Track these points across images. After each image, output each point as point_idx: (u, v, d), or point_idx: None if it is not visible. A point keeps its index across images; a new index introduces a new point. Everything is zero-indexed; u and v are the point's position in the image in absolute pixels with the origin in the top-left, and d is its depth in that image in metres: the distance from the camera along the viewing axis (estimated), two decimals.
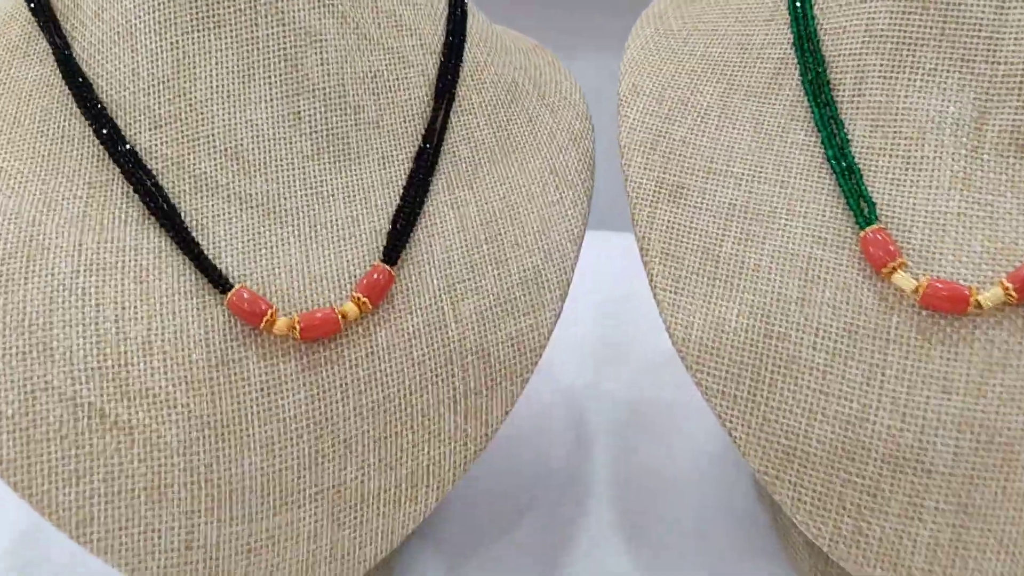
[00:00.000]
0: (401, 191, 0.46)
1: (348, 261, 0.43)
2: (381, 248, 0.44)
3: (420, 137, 0.47)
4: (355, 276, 0.43)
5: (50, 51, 0.45)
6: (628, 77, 0.50)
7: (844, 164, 0.43)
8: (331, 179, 0.45)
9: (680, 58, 0.50)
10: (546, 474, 0.61)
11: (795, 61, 0.47)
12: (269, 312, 0.41)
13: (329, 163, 0.45)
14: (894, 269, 0.40)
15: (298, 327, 0.41)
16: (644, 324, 0.72)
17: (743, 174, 0.45)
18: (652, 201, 0.46)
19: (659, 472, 0.60)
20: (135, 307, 0.41)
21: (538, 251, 0.47)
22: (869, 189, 0.43)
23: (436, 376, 0.43)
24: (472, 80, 0.50)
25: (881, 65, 0.44)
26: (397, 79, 0.47)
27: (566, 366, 0.69)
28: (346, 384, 0.42)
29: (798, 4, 0.47)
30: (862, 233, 0.41)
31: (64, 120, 0.44)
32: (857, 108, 0.44)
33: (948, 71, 0.43)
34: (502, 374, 0.44)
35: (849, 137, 0.44)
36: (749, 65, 0.48)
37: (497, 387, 0.44)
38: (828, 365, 0.41)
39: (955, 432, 0.39)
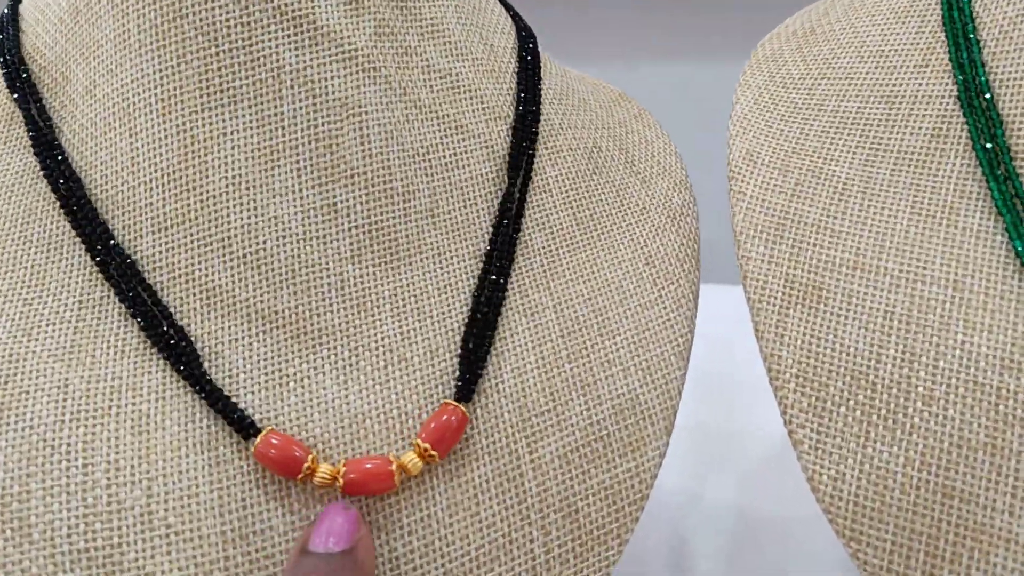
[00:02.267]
0: (465, 297, 0.38)
1: (399, 394, 0.36)
2: (442, 373, 0.36)
3: (488, 227, 0.39)
4: (408, 412, 0.36)
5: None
6: (740, 140, 0.42)
7: None
8: (376, 286, 0.37)
9: (806, 115, 0.42)
10: None
11: (961, 120, 0.38)
12: (309, 458, 0.34)
13: (373, 265, 0.37)
14: None
15: (341, 479, 0.34)
16: (757, 409, 0.63)
17: (901, 271, 0.37)
18: (781, 306, 0.37)
19: None
20: (132, 467, 0.34)
21: (635, 370, 0.38)
22: None
23: (510, 542, 0.35)
24: (546, 149, 0.42)
25: None
26: (455, 155, 0.40)
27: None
28: (396, 558, 0.34)
29: (961, 42, 0.38)
30: None
31: (51, 222, 0.38)
32: None
33: None
34: (594, 536, 0.36)
35: None
36: (899, 125, 0.39)
37: (588, 553, 0.36)
38: None
39: None
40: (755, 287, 0.38)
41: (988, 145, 0.37)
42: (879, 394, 0.35)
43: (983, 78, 0.38)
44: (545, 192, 0.42)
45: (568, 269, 0.40)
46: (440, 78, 0.40)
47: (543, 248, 0.41)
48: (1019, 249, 0.35)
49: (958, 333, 0.35)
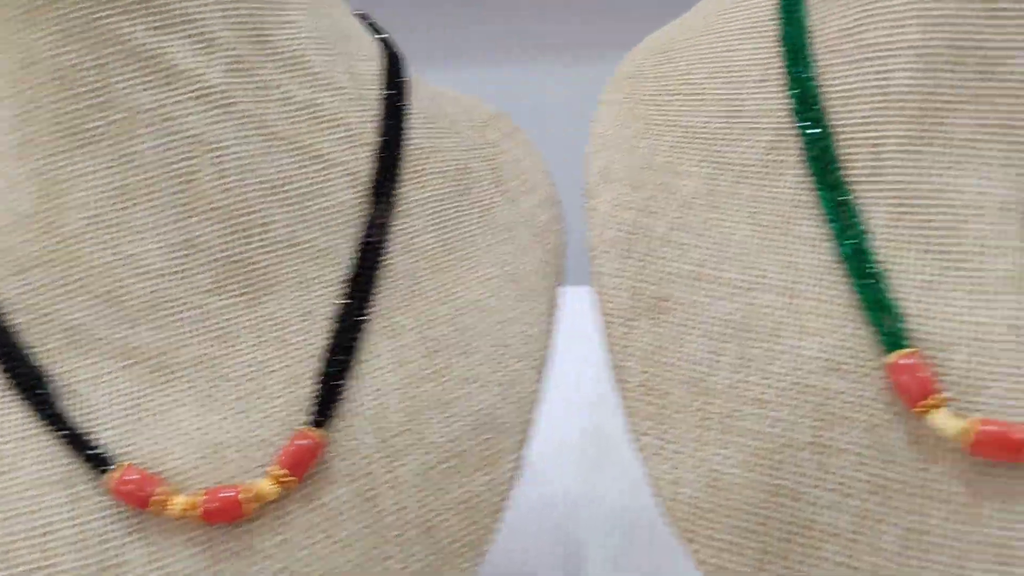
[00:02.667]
0: (327, 324, 0.39)
1: (258, 422, 0.37)
2: (301, 399, 0.38)
3: (352, 253, 0.41)
4: (267, 440, 0.37)
5: None
6: (596, 158, 0.44)
7: (863, 266, 0.36)
8: (237, 317, 0.39)
9: (659, 131, 0.44)
10: None
11: (796, 132, 0.40)
12: (158, 490, 0.35)
13: (234, 296, 0.39)
14: (932, 407, 0.33)
15: (200, 508, 0.35)
16: None
17: (739, 281, 0.38)
18: (628, 319, 0.39)
19: None
20: None
21: (493, 385, 0.40)
22: (896, 297, 0.36)
23: (368, 560, 0.37)
24: (412, 172, 0.44)
25: (902, 136, 0.37)
26: (315, 184, 0.41)
27: (552, 467, 0.62)
28: None
29: (795, 57, 0.40)
30: (888, 359, 0.34)
31: None
32: (876, 191, 0.38)
33: (988, 141, 0.36)
34: (452, 551, 0.37)
35: (867, 229, 0.37)
36: (740, 139, 0.41)
37: (446, 567, 0.37)
38: (855, 531, 0.34)
39: None
40: (605, 300, 0.40)
41: (818, 155, 0.39)
42: (715, 400, 0.37)
43: (814, 91, 0.40)
44: (410, 216, 0.43)
45: (432, 290, 0.42)
46: (299, 109, 0.42)
47: (407, 271, 0.42)
48: (843, 254, 0.37)
49: (789, 338, 0.37)
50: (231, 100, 0.40)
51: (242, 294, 0.39)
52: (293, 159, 0.41)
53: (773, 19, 0.43)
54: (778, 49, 0.42)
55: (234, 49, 0.40)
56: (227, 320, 0.39)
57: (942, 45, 0.36)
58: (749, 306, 0.38)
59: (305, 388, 0.38)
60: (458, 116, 0.50)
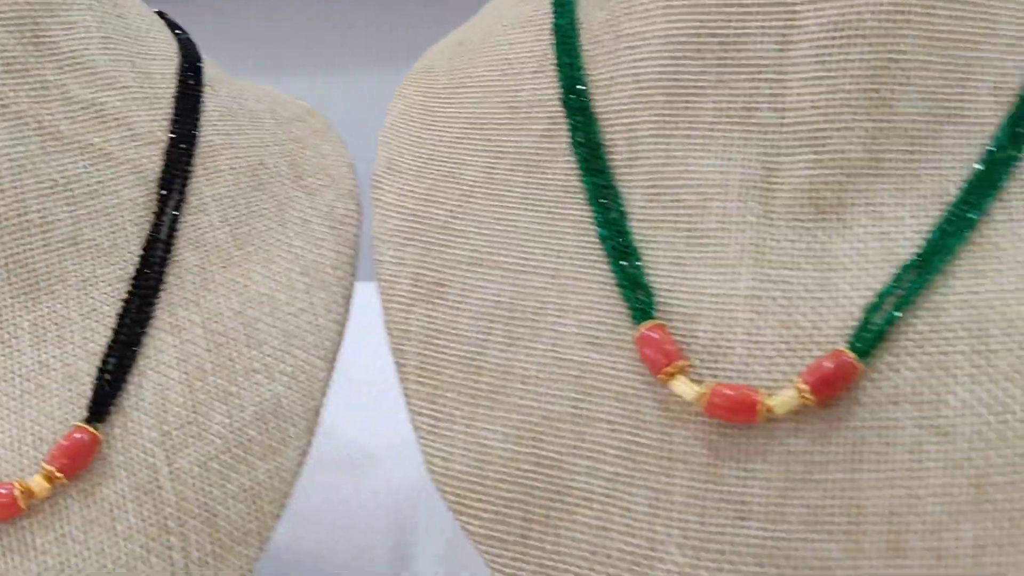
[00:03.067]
0: (110, 321, 0.40)
1: (34, 420, 0.38)
2: (80, 396, 0.38)
3: (138, 250, 0.41)
4: (43, 438, 0.37)
5: None
6: (384, 151, 0.45)
7: (619, 244, 0.39)
8: (15, 317, 0.39)
9: (444, 123, 0.45)
10: None
11: (566, 121, 0.42)
12: None
13: (11, 297, 0.39)
14: (672, 374, 0.35)
15: None
16: None
17: (511, 264, 0.40)
18: (407, 304, 0.41)
19: None
20: None
21: (280, 375, 0.41)
22: (649, 272, 0.38)
23: (148, 552, 0.37)
24: (204, 169, 0.45)
25: (653, 122, 0.39)
26: (100, 182, 0.42)
27: (385, 458, 0.63)
28: None
29: (564, 47, 0.42)
30: (637, 331, 0.36)
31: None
32: (633, 175, 0.40)
33: (730, 124, 0.38)
34: (234, 538, 0.38)
35: (627, 211, 0.39)
36: (517, 128, 0.43)
37: (228, 554, 0.38)
38: (608, 495, 0.36)
39: (755, 566, 0.34)
40: (386, 288, 0.41)
41: (583, 141, 0.41)
42: (485, 377, 0.39)
43: (581, 80, 0.42)
44: (201, 212, 0.44)
45: (220, 285, 0.43)
46: (82, 109, 0.42)
47: (196, 266, 0.43)
48: (601, 234, 0.39)
49: (551, 316, 0.39)
50: (4, 101, 0.40)
51: (20, 295, 0.39)
52: (76, 158, 0.41)
53: (548, 12, 0.45)
54: (552, 40, 0.44)
55: (8, 50, 0.41)
56: (4, 321, 0.39)
57: (685, 34, 0.39)
58: (517, 288, 0.40)
59: (84, 385, 0.39)
60: (262, 112, 0.51)
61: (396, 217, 0.43)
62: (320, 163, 0.49)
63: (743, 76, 0.38)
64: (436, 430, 0.38)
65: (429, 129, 0.46)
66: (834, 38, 0.37)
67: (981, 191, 0.37)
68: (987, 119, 0.38)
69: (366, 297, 0.53)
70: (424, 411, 0.39)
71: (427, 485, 0.62)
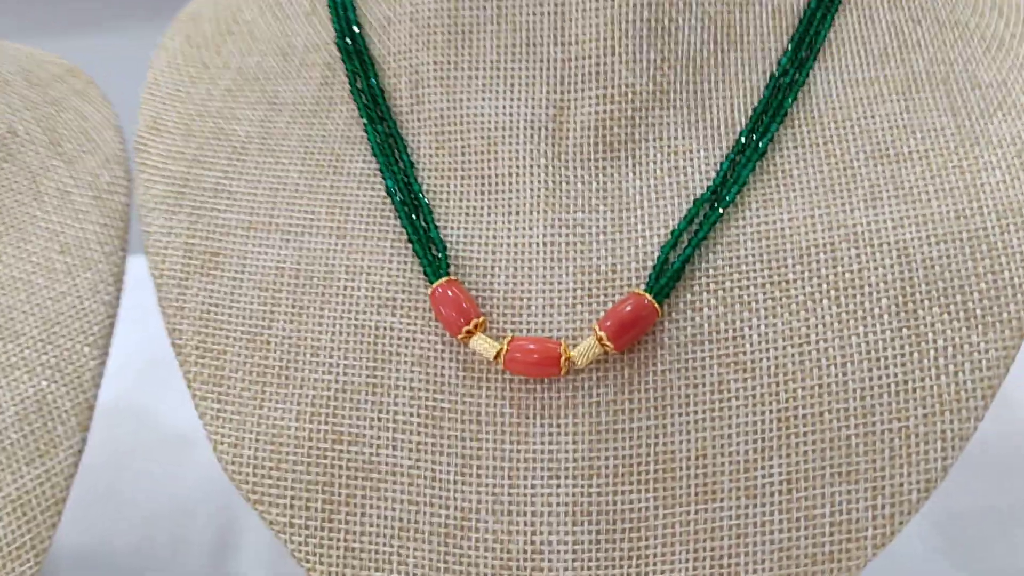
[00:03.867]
0: None
1: None
2: None
3: None
4: None
5: None
6: (148, 108, 0.41)
7: (407, 198, 0.36)
8: None
9: (213, 74, 0.41)
10: None
11: (343, 66, 0.38)
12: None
13: None
14: (471, 332, 0.33)
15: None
16: None
17: (291, 225, 0.37)
18: (181, 278, 0.37)
19: None
20: None
21: (42, 369, 0.36)
22: (442, 225, 0.36)
23: None
24: None
25: (435, 63, 0.37)
26: None
27: (205, 441, 0.59)
28: None
29: None
30: (431, 290, 0.34)
31: None
32: (419, 121, 0.37)
33: (514, 62, 0.36)
34: (7, 553, 0.34)
35: (414, 160, 0.37)
36: (293, 76, 0.39)
37: (1, 571, 0.34)
38: (414, 466, 0.34)
39: (571, 525, 0.33)
40: (156, 262, 0.37)
41: (363, 88, 0.38)
42: (272, 352, 0.35)
43: (355, 21, 0.38)
44: None
45: None
46: None
47: None
48: (388, 187, 0.36)
49: (341, 279, 0.36)
50: None
51: None
52: None
53: None
54: None
55: None
56: None
57: None
58: (301, 251, 0.36)
59: None
60: (11, 75, 0.45)
61: (162, 182, 0.39)
62: (81, 127, 0.44)
63: (523, 9, 0.36)
64: (222, 414, 0.35)
65: (196, 83, 0.41)
66: None
67: (769, 117, 0.36)
68: (769, 43, 0.37)
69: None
70: (208, 395, 0.35)
71: None
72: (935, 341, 0.33)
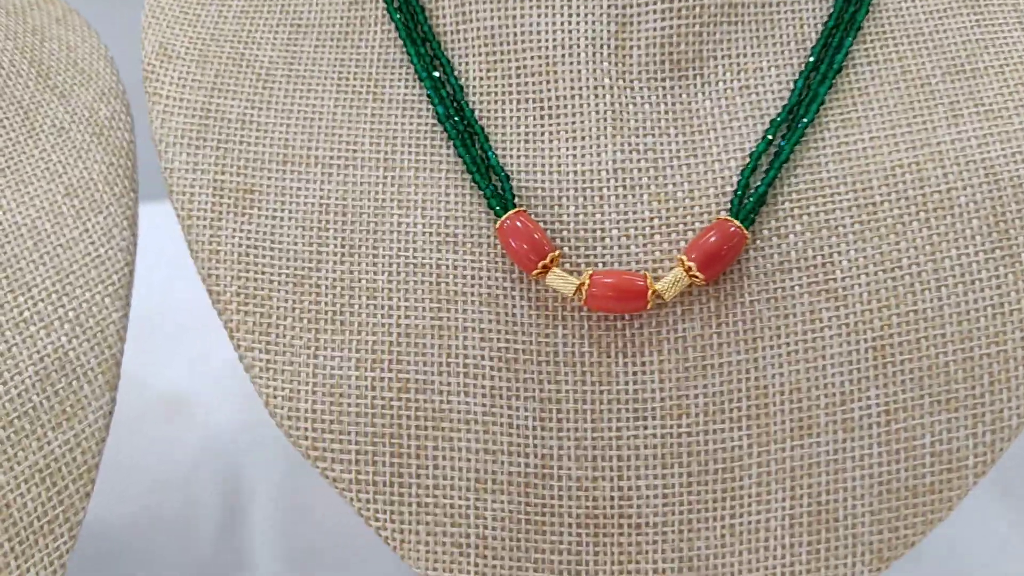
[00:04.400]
0: None
1: None
2: None
3: None
4: None
5: None
6: (153, 33, 0.37)
7: (460, 124, 0.33)
8: None
9: None
10: (193, 550, 0.48)
11: None
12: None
13: None
14: (546, 268, 0.30)
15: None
16: None
17: (332, 157, 0.34)
18: (213, 219, 0.33)
19: (339, 536, 0.48)
20: None
21: (60, 323, 0.33)
22: (500, 152, 0.33)
23: None
24: None
25: None
26: None
27: (210, 402, 0.55)
28: None
29: None
30: (499, 223, 0.31)
31: None
32: (466, 41, 0.34)
33: None
34: (36, 529, 0.30)
35: (462, 83, 0.34)
36: None
37: (33, 549, 0.30)
38: (489, 413, 0.31)
39: (660, 468, 0.31)
40: (182, 201, 0.34)
41: (400, 5, 0.34)
42: (324, 296, 0.32)
43: None
44: None
45: None
46: None
47: None
48: (439, 113, 0.33)
49: (394, 215, 0.33)
50: None
51: None
52: None
53: None
54: None
55: None
56: None
57: None
58: (346, 185, 0.33)
59: None
60: None
61: (181, 114, 0.35)
62: (70, 57, 0.40)
63: None
64: (272, 366, 0.32)
65: (206, 4, 0.37)
66: None
67: (842, 31, 0.34)
68: None
69: (151, 219, 0.44)
70: (254, 346, 0.32)
71: (251, 427, 0.55)
72: None
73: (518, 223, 0.31)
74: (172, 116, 0.35)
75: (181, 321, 0.59)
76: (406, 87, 0.34)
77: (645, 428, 0.31)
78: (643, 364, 0.31)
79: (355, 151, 0.33)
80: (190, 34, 0.36)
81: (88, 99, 0.38)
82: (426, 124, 0.34)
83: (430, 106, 0.34)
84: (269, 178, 0.33)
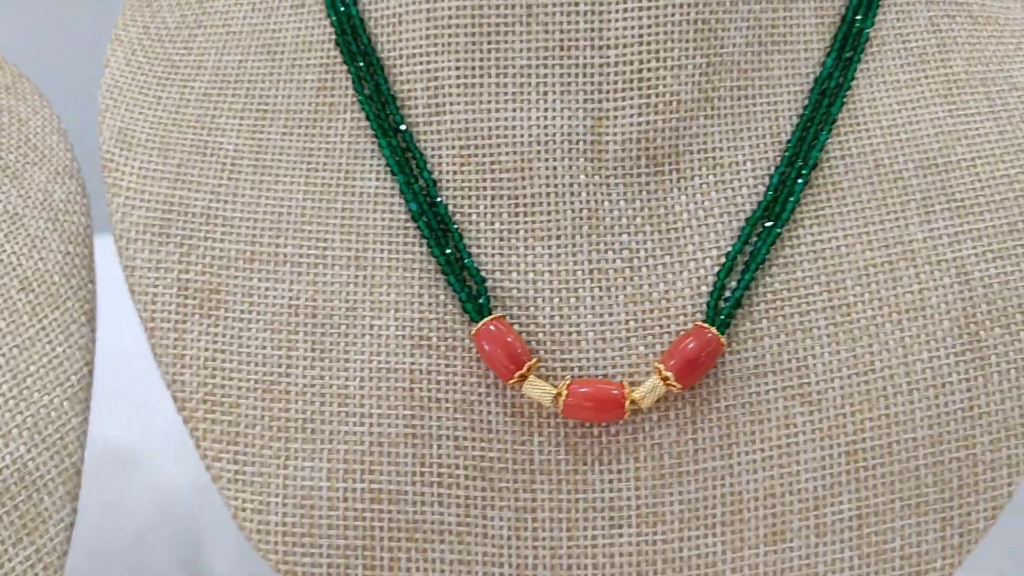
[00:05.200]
0: None
1: None
2: None
3: None
4: None
5: None
6: (112, 116, 0.35)
7: (434, 222, 0.32)
8: None
9: (186, 75, 0.36)
10: None
11: (344, 68, 0.34)
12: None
13: None
14: (523, 377, 0.30)
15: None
16: None
17: (302, 255, 0.33)
18: (178, 320, 0.32)
19: None
20: None
21: (19, 432, 0.32)
22: (474, 251, 0.32)
23: None
24: None
25: (458, 68, 0.33)
26: None
27: (153, 455, 0.54)
28: None
29: None
30: (474, 329, 0.31)
31: None
32: (439, 134, 0.33)
33: (547, 67, 0.33)
34: None
35: (436, 177, 0.33)
36: (284, 78, 0.35)
37: None
38: (464, 523, 0.31)
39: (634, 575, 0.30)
40: (145, 302, 0.33)
41: (371, 94, 0.34)
42: (294, 403, 0.32)
43: (357, 17, 0.34)
44: None
45: None
46: None
47: None
48: (411, 210, 0.32)
49: (365, 317, 0.32)
50: None
51: None
52: None
53: None
54: None
55: None
56: None
57: None
58: (316, 284, 0.32)
59: None
60: None
61: (143, 207, 0.34)
62: (21, 132, 0.38)
63: (557, 8, 0.32)
64: (241, 476, 0.31)
65: (166, 85, 0.36)
66: None
67: (817, 125, 0.34)
68: (812, 43, 0.34)
69: (108, 257, 0.42)
70: (222, 455, 0.31)
71: (208, 486, 0.54)
72: (998, 364, 0.32)
73: (494, 328, 0.31)
74: (133, 210, 0.34)
75: (127, 369, 0.58)
76: (377, 179, 0.33)
77: (620, 536, 0.31)
78: (619, 472, 0.31)
79: (325, 248, 0.33)
80: (151, 118, 0.35)
81: (42, 180, 0.37)
82: (398, 220, 0.33)
83: (400, 201, 0.33)
84: (236, 277, 0.33)
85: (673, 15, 0.32)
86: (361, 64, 0.34)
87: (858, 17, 0.35)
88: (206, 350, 0.32)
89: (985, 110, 0.35)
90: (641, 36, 0.32)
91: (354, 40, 0.34)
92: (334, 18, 0.34)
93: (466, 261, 0.32)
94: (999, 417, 0.32)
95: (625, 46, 0.32)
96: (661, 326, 0.32)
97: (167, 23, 0.38)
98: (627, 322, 0.32)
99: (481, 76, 0.33)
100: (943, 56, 0.35)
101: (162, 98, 0.36)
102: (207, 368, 0.32)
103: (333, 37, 0.34)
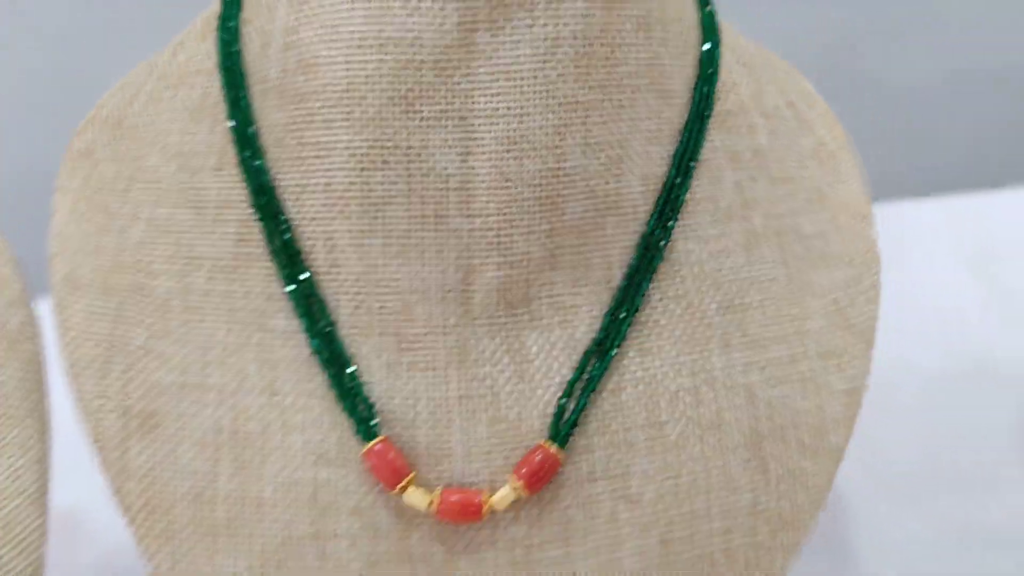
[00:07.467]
0: None
1: None
2: None
3: None
4: None
5: None
6: (60, 262, 0.43)
7: (332, 357, 0.40)
8: None
9: (123, 224, 0.44)
10: None
11: (260, 224, 0.42)
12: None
13: None
14: (404, 487, 0.39)
15: None
16: None
17: (224, 384, 0.41)
18: (121, 440, 0.40)
19: None
20: None
21: None
22: (365, 380, 0.41)
23: None
24: None
25: (350, 231, 0.41)
26: None
27: (95, 520, 0.61)
28: None
29: (244, 146, 0.42)
30: (364, 448, 0.39)
31: None
32: (336, 283, 0.41)
33: (424, 232, 0.41)
34: None
35: (335, 319, 0.41)
36: (208, 231, 0.43)
37: None
38: None
39: None
40: (92, 424, 0.40)
41: (280, 248, 0.42)
42: (219, 508, 0.40)
43: (269, 185, 0.42)
44: None
45: None
46: None
47: None
48: (313, 346, 0.41)
49: (277, 436, 0.40)
50: None
51: None
52: None
53: (219, 101, 0.44)
54: (230, 137, 0.43)
55: None
56: None
57: (369, 145, 0.40)
58: (235, 410, 0.41)
59: None
60: None
61: (89, 343, 0.41)
62: None
63: (432, 186, 0.41)
64: (176, 569, 0.39)
65: (107, 233, 0.44)
66: (510, 151, 0.40)
67: (641, 275, 0.43)
68: (640, 207, 0.44)
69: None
70: (160, 551, 0.39)
71: None
72: (776, 469, 0.42)
73: (380, 448, 0.39)
74: (80, 347, 0.41)
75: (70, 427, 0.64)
76: (287, 319, 0.42)
77: None
78: (481, 561, 0.40)
79: (243, 379, 0.41)
80: (93, 263, 0.43)
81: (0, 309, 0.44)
82: (304, 354, 0.41)
83: (306, 338, 0.41)
84: (169, 403, 0.41)
85: (524, 193, 0.41)
86: (271, 223, 0.42)
87: (677, 181, 0.44)
88: (145, 464, 0.40)
89: (777, 259, 0.45)
90: (500, 209, 0.41)
91: (267, 201, 0.42)
92: (250, 184, 0.42)
93: (357, 391, 0.40)
94: (776, 513, 0.42)
95: (488, 215, 0.41)
96: (515, 442, 0.41)
97: (105, 175, 0.45)
98: (489, 439, 0.41)
99: (370, 238, 0.41)
100: (744, 213, 0.45)
101: (102, 244, 0.43)
102: (147, 479, 0.40)
103: (250, 200, 0.42)
